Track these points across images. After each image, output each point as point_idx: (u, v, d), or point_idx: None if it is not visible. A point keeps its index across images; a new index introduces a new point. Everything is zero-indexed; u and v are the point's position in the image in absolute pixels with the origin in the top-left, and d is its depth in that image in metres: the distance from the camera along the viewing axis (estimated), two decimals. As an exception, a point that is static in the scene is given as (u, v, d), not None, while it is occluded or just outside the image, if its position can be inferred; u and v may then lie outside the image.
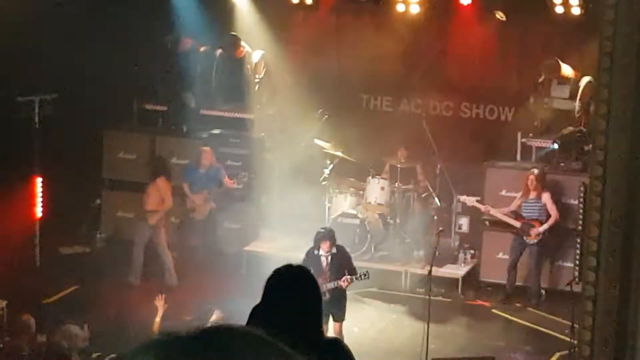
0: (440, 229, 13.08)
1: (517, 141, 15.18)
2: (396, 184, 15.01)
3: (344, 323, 11.38)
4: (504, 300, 14.14)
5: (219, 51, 16.07)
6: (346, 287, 11.29)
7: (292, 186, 15.20)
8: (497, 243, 14.49)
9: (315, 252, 11.32)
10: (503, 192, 14.50)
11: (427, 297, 11.67)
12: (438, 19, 15.51)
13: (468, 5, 15.02)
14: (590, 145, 10.62)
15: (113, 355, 10.07)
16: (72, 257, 15.14)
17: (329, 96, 15.82)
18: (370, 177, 15.03)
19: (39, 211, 14.70)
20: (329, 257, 11.29)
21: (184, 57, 16.09)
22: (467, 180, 15.05)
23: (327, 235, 11.38)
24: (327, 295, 10.76)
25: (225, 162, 15.47)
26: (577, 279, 11.90)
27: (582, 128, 14.64)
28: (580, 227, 12.66)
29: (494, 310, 13.96)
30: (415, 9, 15.23)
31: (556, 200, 14.16)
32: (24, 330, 10.07)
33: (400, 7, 15.29)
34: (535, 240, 13.95)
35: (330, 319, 11.02)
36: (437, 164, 14.95)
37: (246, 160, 15.76)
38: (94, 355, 10.24)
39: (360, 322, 12.98)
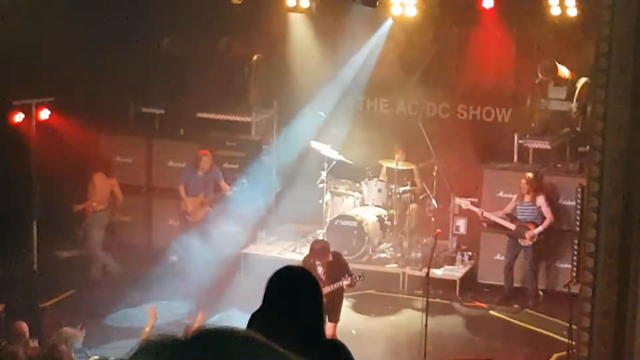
0: (438, 230, 13.08)
1: (514, 142, 15.19)
2: (393, 186, 15.01)
3: (341, 324, 11.34)
4: (502, 301, 14.14)
5: (216, 54, 16.08)
6: (347, 286, 11.23)
7: (290, 188, 15.21)
8: (495, 245, 14.49)
9: (312, 260, 11.27)
10: (500, 194, 14.51)
11: (425, 298, 11.66)
12: (435, 22, 15.50)
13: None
14: (587, 147, 10.63)
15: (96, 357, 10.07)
16: (70, 260, 15.12)
17: (326, 98, 15.82)
18: (367, 179, 15.04)
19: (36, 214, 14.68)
20: (325, 267, 11.25)
21: (181, 59, 16.09)
22: (465, 181, 15.05)
23: (321, 251, 11.27)
24: (325, 300, 10.71)
25: (222, 165, 15.47)
26: (574, 280, 11.91)
27: (577, 129, 14.66)
28: (577, 229, 12.69)
29: (491, 312, 13.96)
30: (411, 12, 15.23)
31: (553, 202, 14.17)
32: (17, 337, 10.06)
33: (396, 10, 15.28)
34: (530, 243, 13.96)
35: (325, 318, 10.99)
36: (434, 165, 14.95)
37: (243, 163, 15.76)
38: (92, 358, 10.22)
39: (358, 324, 12.98)
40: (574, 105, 14.71)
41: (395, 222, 15.04)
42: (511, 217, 14.13)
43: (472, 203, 14.57)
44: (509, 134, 15.30)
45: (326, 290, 10.97)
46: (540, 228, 13.94)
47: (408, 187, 15.14)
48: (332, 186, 15.22)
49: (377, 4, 14.77)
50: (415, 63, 15.70)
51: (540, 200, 14.00)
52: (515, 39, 15.43)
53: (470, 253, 14.97)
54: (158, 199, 16.11)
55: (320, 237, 13.78)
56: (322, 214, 15.04)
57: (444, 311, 13.66)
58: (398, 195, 15.04)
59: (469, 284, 14.60)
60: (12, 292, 12.91)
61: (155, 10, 15.83)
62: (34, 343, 10.25)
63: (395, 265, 14.79)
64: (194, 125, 16.13)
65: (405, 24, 15.39)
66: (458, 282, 14.43)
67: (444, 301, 14.01)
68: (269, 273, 4.45)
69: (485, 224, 14.57)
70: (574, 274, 12.30)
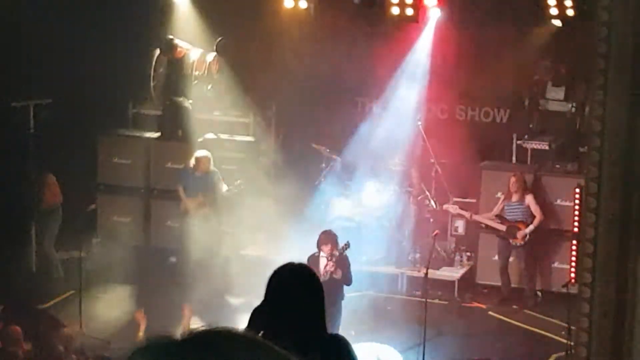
0: (437, 231, 13.08)
1: (512, 143, 15.20)
2: (392, 186, 15.01)
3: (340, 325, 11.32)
4: (500, 302, 14.14)
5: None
6: (335, 275, 11.12)
7: (288, 190, 15.19)
8: (493, 245, 14.48)
9: (317, 254, 11.29)
10: (499, 194, 14.50)
11: (424, 299, 11.66)
12: (433, 22, 15.50)
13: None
14: (586, 147, 10.63)
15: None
16: (68, 262, 15.12)
17: (324, 99, 15.82)
18: (366, 180, 15.03)
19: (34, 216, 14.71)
20: (329, 259, 11.25)
21: (179, 61, 16.08)
22: (463, 182, 15.05)
23: (326, 238, 11.32)
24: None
25: (220, 166, 15.45)
26: (573, 281, 11.92)
27: (578, 129, 14.67)
28: (576, 229, 12.69)
29: (490, 313, 13.96)
30: (409, 12, 15.23)
31: (547, 202, 14.19)
32: (13, 340, 10.06)
33: (395, 10, 15.28)
34: (522, 242, 13.97)
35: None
36: (433, 166, 14.95)
37: (242, 164, 15.75)
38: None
39: (357, 325, 12.96)
40: (572, 105, 14.72)
41: (394, 223, 15.03)
42: (501, 218, 14.12)
43: (465, 205, 14.57)
44: (508, 135, 15.31)
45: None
46: (531, 227, 13.94)
47: (407, 188, 15.14)
48: (331, 187, 15.21)
49: (375, 5, 14.78)
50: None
51: (529, 199, 14.01)
52: (513, 39, 15.43)
53: (468, 254, 14.97)
54: (156, 200, 16.09)
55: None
56: (321, 215, 15.03)
57: (443, 312, 13.65)
58: (397, 196, 15.03)
59: (468, 284, 14.60)
60: (11, 294, 12.91)
61: (154, 10, 15.82)
62: (28, 346, 10.25)
63: (394, 266, 14.78)
64: (192, 127, 16.11)
65: (403, 25, 15.39)
66: (457, 282, 14.43)
67: (443, 302, 14.00)
68: (267, 274, 4.45)
69: (483, 225, 14.57)
70: (573, 275, 12.32)
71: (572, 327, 10.21)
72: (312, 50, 15.66)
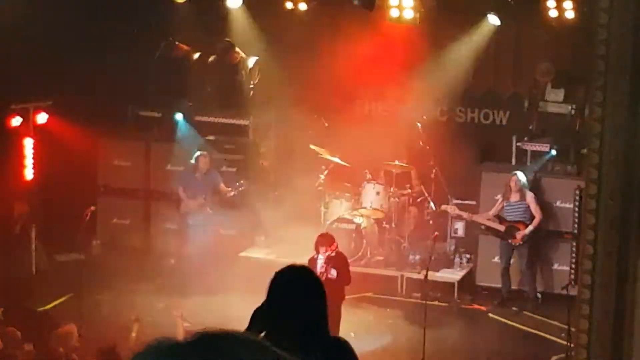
0: (436, 233, 13.08)
1: (512, 145, 15.20)
2: (391, 188, 15.01)
3: (340, 327, 11.31)
4: (500, 304, 14.14)
5: (213, 57, 16.09)
6: (329, 274, 11.10)
7: (288, 192, 15.20)
8: (493, 247, 14.48)
9: (315, 256, 11.31)
10: (498, 196, 14.49)
11: (424, 301, 11.66)
12: (431, 24, 15.51)
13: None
14: (585, 149, 10.63)
15: None
16: (68, 264, 15.11)
17: (324, 101, 15.82)
18: (365, 182, 15.03)
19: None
20: (325, 259, 11.25)
21: (179, 63, 16.09)
22: (463, 184, 15.05)
23: (324, 239, 11.34)
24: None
25: (220, 168, 15.47)
26: (573, 283, 11.92)
27: (578, 131, 14.68)
28: (575, 231, 12.69)
29: (490, 314, 13.96)
30: (409, 14, 15.24)
31: (550, 204, 14.18)
32: (12, 342, 10.06)
33: (394, 13, 15.30)
34: (521, 242, 13.96)
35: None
36: (432, 168, 14.95)
37: (241, 166, 15.76)
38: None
39: (357, 327, 12.96)
40: (571, 107, 14.72)
41: (393, 225, 15.03)
42: (500, 218, 14.12)
43: (464, 207, 14.57)
44: (507, 137, 15.31)
45: None
46: (530, 227, 13.93)
47: (406, 190, 15.14)
48: (330, 189, 15.21)
49: (375, 8, 14.78)
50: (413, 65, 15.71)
51: (530, 198, 14.00)
52: (513, 41, 15.44)
53: (468, 256, 14.96)
54: (156, 202, 16.10)
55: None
56: (320, 217, 15.03)
57: (443, 314, 13.65)
58: (396, 198, 15.04)
59: (468, 286, 14.60)
60: (10, 296, 12.89)
61: (154, 13, 15.82)
62: (29, 347, 10.25)
63: (394, 268, 14.78)
64: (192, 129, 16.12)
65: (403, 27, 15.40)
66: (456, 284, 14.43)
67: (443, 304, 14.00)
68: (267, 276, 4.45)
69: (483, 227, 14.57)
70: (573, 276, 12.32)
71: (572, 329, 10.20)
72: (311, 52, 15.66)
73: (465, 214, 14.38)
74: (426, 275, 11.87)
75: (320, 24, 15.91)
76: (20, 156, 14.69)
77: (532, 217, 13.97)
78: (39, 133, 14.85)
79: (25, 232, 14.64)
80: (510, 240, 13.99)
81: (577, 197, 13.20)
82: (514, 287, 14.24)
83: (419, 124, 15.03)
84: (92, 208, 15.53)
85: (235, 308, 12.23)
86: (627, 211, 6.98)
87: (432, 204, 14.87)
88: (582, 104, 14.44)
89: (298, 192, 14.92)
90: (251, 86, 16.06)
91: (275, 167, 16.26)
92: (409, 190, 15.17)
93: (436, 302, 13.73)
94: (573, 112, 14.83)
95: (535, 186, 14.34)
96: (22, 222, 14.70)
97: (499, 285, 14.28)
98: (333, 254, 11.25)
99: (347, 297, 11.81)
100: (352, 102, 16.35)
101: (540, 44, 15.28)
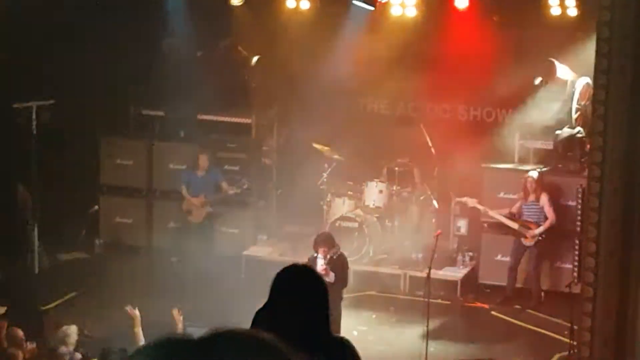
0: (439, 231, 13.07)
1: (514, 143, 15.19)
2: (394, 186, 15.01)
3: (342, 325, 11.29)
4: (503, 302, 14.13)
5: (216, 56, 16.10)
6: (327, 277, 11.08)
7: (290, 190, 15.20)
8: (496, 245, 14.48)
9: (314, 255, 11.30)
10: (501, 194, 14.49)
11: (426, 299, 11.66)
12: (435, 22, 15.51)
13: (465, 8, 14.99)
14: (588, 147, 10.63)
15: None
16: (71, 263, 15.13)
17: (326, 100, 15.82)
18: (368, 181, 15.03)
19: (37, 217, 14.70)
20: (326, 260, 11.23)
21: (181, 62, 16.09)
22: (465, 182, 15.04)
23: (323, 240, 11.30)
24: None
25: (222, 166, 15.47)
26: (576, 280, 11.90)
27: (578, 129, 14.65)
28: (578, 229, 12.68)
29: (493, 313, 13.95)
30: (411, 12, 15.24)
31: (554, 202, 14.16)
32: (14, 341, 10.06)
33: (396, 10, 15.29)
34: (532, 243, 13.95)
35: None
36: (435, 166, 14.94)
37: (243, 165, 15.76)
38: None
39: (359, 326, 12.97)
40: (574, 105, 14.70)
41: (396, 223, 15.03)
42: (514, 216, 14.10)
43: (465, 205, 14.57)
44: (510, 135, 15.30)
45: None
46: (541, 228, 13.92)
47: (409, 188, 15.14)
48: (332, 187, 15.21)
49: (377, 5, 14.78)
50: (415, 64, 15.69)
51: (544, 200, 13.98)
52: (515, 39, 15.42)
53: (471, 254, 14.95)
54: (158, 201, 16.11)
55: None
56: (323, 216, 15.04)
57: (445, 312, 13.65)
58: (399, 196, 15.04)
59: (470, 284, 14.59)
60: (13, 295, 12.91)
61: (156, 11, 15.82)
62: (32, 345, 10.26)
63: (396, 266, 14.78)
64: (194, 127, 16.13)
65: (405, 25, 15.39)
66: (459, 282, 14.43)
67: (445, 302, 14.00)
68: (269, 275, 4.45)
69: (486, 225, 14.56)
70: (576, 274, 12.30)
71: (575, 327, 10.18)
72: (314, 50, 15.66)
73: (482, 208, 14.30)
74: (429, 274, 11.86)
75: (321, 22, 15.89)
76: (23, 155, 14.70)
77: (546, 218, 13.94)
78: (42, 132, 14.85)
79: (27, 220, 14.63)
80: (522, 240, 13.98)
81: (580, 195, 13.18)
82: (518, 285, 14.23)
83: (421, 123, 15.02)
84: (95, 207, 15.59)
85: (237, 307, 12.23)
86: (629, 209, 6.97)
87: (434, 201, 14.85)
88: (584, 102, 14.42)
89: (300, 190, 14.92)
90: (253, 85, 16.05)
91: (277, 166, 16.26)
92: (412, 188, 15.17)
93: (439, 300, 13.73)
94: (575, 110, 14.80)
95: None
96: (24, 208, 14.66)
97: (502, 284, 14.27)
98: (335, 257, 11.21)
99: (349, 295, 11.83)
100: (355, 100, 16.34)
101: (543, 41, 15.26)
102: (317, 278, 4.56)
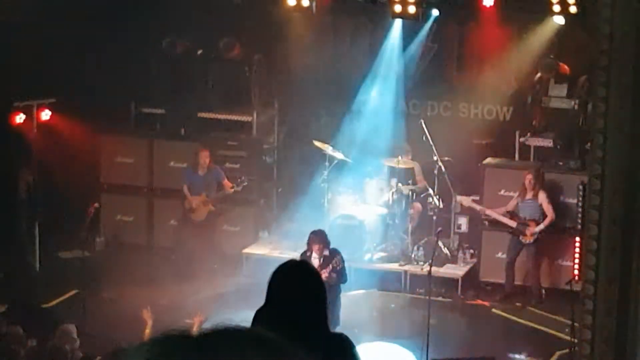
0: (440, 229, 13.07)
1: (515, 140, 15.19)
2: (395, 184, 15.01)
3: (343, 324, 11.29)
4: (504, 299, 14.14)
5: (216, 53, 16.09)
6: (331, 281, 11.09)
7: (291, 188, 15.20)
8: (497, 243, 14.48)
9: (308, 253, 11.27)
10: (502, 192, 14.49)
11: (427, 297, 11.66)
12: (435, 20, 15.49)
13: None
14: (589, 144, 10.62)
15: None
16: (72, 261, 15.13)
17: (327, 97, 15.82)
18: (368, 178, 15.03)
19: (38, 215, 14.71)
20: (321, 260, 11.22)
21: (181, 59, 16.10)
22: (466, 180, 15.04)
23: (317, 238, 11.29)
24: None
25: (223, 164, 15.47)
26: (576, 278, 11.90)
27: (581, 126, 14.65)
28: (579, 226, 12.67)
29: (493, 310, 13.95)
30: (412, 10, 15.21)
31: (554, 199, 14.17)
32: (14, 339, 10.07)
33: (397, 8, 15.27)
34: (532, 240, 13.95)
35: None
36: (436, 164, 14.94)
37: (244, 163, 15.76)
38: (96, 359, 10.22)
39: (360, 323, 12.96)
40: (575, 102, 14.70)
41: (396, 221, 15.03)
42: (512, 214, 14.11)
43: (474, 201, 14.57)
44: (511, 132, 15.30)
45: None
46: (541, 226, 13.92)
47: (409, 186, 15.13)
48: (333, 185, 15.21)
49: (378, 3, 14.78)
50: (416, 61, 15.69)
51: (542, 197, 13.99)
52: (516, 36, 15.41)
53: (472, 251, 14.95)
54: (159, 199, 16.11)
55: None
56: (324, 213, 15.03)
57: (446, 309, 13.65)
58: (400, 194, 15.03)
59: (471, 282, 14.59)
60: (14, 293, 12.92)
61: (157, 10, 15.81)
62: (32, 343, 10.28)
63: (397, 263, 14.78)
64: (195, 125, 16.14)
65: (406, 22, 15.38)
66: (460, 280, 14.43)
67: (446, 299, 14.00)
68: (270, 273, 4.45)
69: (486, 222, 14.56)
70: (576, 272, 12.31)
71: (576, 324, 10.18)
72: (314, 48, 15.66)
73: (478, 207, 14.33)
74: (429, 271, 11.86)
75: (323, 19, 15.89)
76: (24, 154, 14.71)
77: (545, 216, 13.95)
78: (43, 130, 14.86)
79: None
80: (520, 237, 13.98)
81: (581, 193, 13.18)
82: (518, 282, 14.23)
83: (422, 120, 15.01)
84: (96, 205, 15.56)
85: (239, 305, 12.24)
86: (630, 206, 6.97)
87: (435, 199, 14.85)
88: (585, 100, 14.42)
89: (301, 188, 14.92)
90: (254, 82, 16.05)
91: (278, 164, 16.26)
92: (413, 186, 15.16)
93: (440, 298, 13.74)
94: (576, 107, 14.81)
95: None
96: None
97: (503, 281, 14.27)
98: (328, 254, 11.21)
99: (350, 293, 11.83)
100: (356, 97, 16.32)
101: (544, 38, 15.25)
102: (314, 274, 4.57)
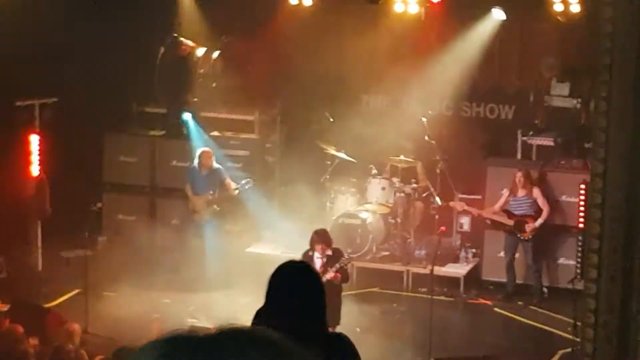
0: (442, 228, 13.07)
1: (517, 139, 15.19)
2: (397, 183, 15.01)
3: (345, 322, 11.29)
4: (506, 298, 14.14)
5: (218, 53, 16.11)
6: (336, 280, 11.08)
7: (293, 187, 15.20)
8: (499, 242, 14.48)
9: (310, 253, 11.27)
10: (504, 191, 14.48)
11: (429, 296, 11.66)
12: (437, 18, 15.50)
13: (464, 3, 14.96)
14: (591, 143, 10.61)
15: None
16: (74, 260, 15.13)
17: (329, 97, 15.82)
18: (371, 177, 15.03)
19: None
20: (324, 259, 11.22)
21: (183, 58, 16.09)
22: (468, 179, 15.05)
23: (321, 237, 11.28)
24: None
25: (225, 164, 15.46)
26: (579, 277, 11.91)
27: (583, 125, 14.65)
28: (581, 225, 12.68)
29: (496, 309, 13.95)
30: (414, 9, 15.23)
31: (555, 197, 14.18)
32: (16, 337, 10.08)
33: (399, 7, 15.28)
34: (530, 237, 13.96)
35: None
36: (438, 163, 14.94)
37: (246, 162, 15.76)
38: (98, 358, 10.23)
39: (362, 322, 12.97)
40: (577, 101, 14.70)
41: (399, 220, 15.03)
42: (508, 212, 14.12)
43: (470, 202, 14.56)
44: (513, 131, 15.30)
45: None
46: (540, 220, 13.94)
47: (412, 185, 15.13)
48: (335, 184, 15.22)
49: (380, 2, 14.78)
50: (418, 60, 15.69)
51: (537, 193, 14.01)
52: (518, 35, 15.42)
53: (474, 250, 14.95)
54: (162, 199, 16.12)
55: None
56: (326, 213, 15.04)
57: (449, 308, 13.65)
58: (402, 193, 15.03)
59: (473, 281, 14.60)
60: (17, 292, 12.92)
61: (158, 8, 15.82)
62: (34, 341, 10.29)
63: (400, 263, 14.78)
64: (197, 125, 16.12)
65: (408, 21, 15.39)
66: (462, 279, 14.43)
67: (448, 298, 14.00)
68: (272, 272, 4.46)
69: (489, 222, 14.56)
70: (578, 271, 12.31)
71: (578, 323, 10.20)
72: (316, 47, 15.66)
73: (472, 210, 14.36)
74: (432, 270, 11.86)
75: (325, 19, 15.89)
76: (26, 153, 14.70)
77: (539, 211, 13.96)
78: (45, 130, 14.86)
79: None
80: (519, 235, 13.99)
81: (583, 191, 13.18)
82: (519, 281, 14.24)
83: (424, 119, 15.01)
84: (98, 204, 15.58)
85: (241, 304, 12.25)
86: (632, 205, 6.97)
87: (437, 198, 14.86)
88: (587, 98, 14.42)
89: (303, 187, 14.92)
90: (256, 81, 16.05)
91: (280, 163, 16.26)
92: (415, 185, 15.16)
93: (442, 297, 13.74)
94: (578, 106, 14.81)
95: (541, 180, 14.33)
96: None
97: (505, 280, 14.28)
98: (331, 253, 11.21)
99: (353, 292, 11.84)
100: (358, 97, 16.34)
101: (546, 38, 15.25)
102: (313, 274, 4.57)
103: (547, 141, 14.96)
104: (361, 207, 14.98)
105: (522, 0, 15.19)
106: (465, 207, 14.42)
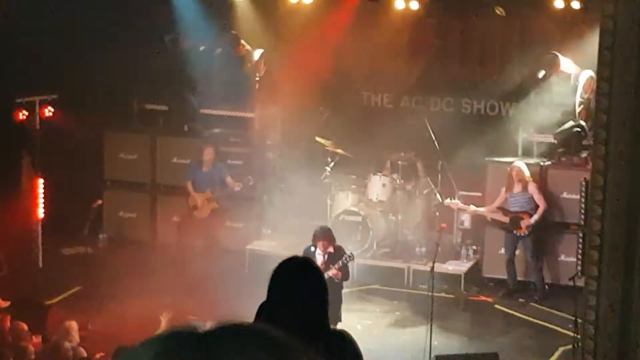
0: (443, 225, 13.07)
1: (518, 136, 15.18)
2: (398, 180, 15.01)
3: (346, 320, 11.31)
4: (507, 295, 14.14)
5: (219, 50, 16.09)
6: (338, 278, 11.08)
7: (294, 184, 15.20)
8: (500, 239, 14.48)
9: (312, 249, 11.27)
10: (503, 188, 14.48)
11: (430, 293, 11.66)
12: (437, 15, 15.50)
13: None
14: (591, 140, 10.61)
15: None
16: (75, 258, 15.15)
17: (330, 94, 15.82)
18: (371, 174, 15.03)
19: (40, 212, 14.71)
20: (326, 256, 11.23)
21: (184, 56, 16.10)
22: (469, 176, 15.04)
23: (323, 234, 11.28)
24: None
25: (226, 161, 15.48)
26: (579, 274, 11.90)
27: (580, 122, 14.63)
28: (582, 222, 12.66)
29: (496, 306, 13.96)
30: (414, 6, 15.22)
31: (557, 195, 14.17)
32: (20, 335, 10.08)
33: (399, 4, 15.28)
34: (527, 233, 13.95)
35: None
36: (439, 160, 14.94)
37: (247, 159, 15.77)
38: (98, 355, 10.24)
39: (363, 319, 12.99)
40: (577, 98, 14.69)
41: (399, 217, 15.03)
42: (503, 209, 14.11)
43: (470, 199, 14.56)
44: (513, 128, 15.29)
45: None
46: (535, 217, 13.93)
47: (412, 182, 15.14)
48: (336, 182, 15.22)
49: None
50: (418, 57, 15.69)
51: (532, 188, 14.00)
52: (518, 32, 15.41)
53: (475, 247, 14.96)
54: (162, 196, 16.13)
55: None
56: (326, 209, 15.04)
57: (449, 305, 13.65)
58: (402, 190, 15.03)
59: (474, 278, 14.60)
60: (17, 290, 12.92)
61: (160, 5, 15.82)
62: (38, 339, 10.29)
63: (400, 259, 14.78)
64: (198, 122, 16.14)
65: (408, 18, 15.39)
66: (463, 276, 14.43)
67: (449, 295, 14.00)
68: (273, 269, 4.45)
69: (490, 219, 14.56)
70: (579, 267, 12.30)
71: (579, 320, 10.18)
72: (316, 44, 15.65)
73: (468, 208, 14.36)
74: (432, 267, 11.86)
75: (325, 16, 15.88)
76: (27, 150, 14.72)
77: (536, 207, 13.96)
78: (45, 127, 14.86)
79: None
80: (515, 231, 13.99)
81: (584, 188, 13.16)
82: (520, 278, 14.24)
83: (425, 116, 15.01)
84: (99, 202, 15.60)
85: (242, 301, 12.25)
86: (633, 202, 6.96)
87: (438, 195, 14.86)
88: (588, 95, 14.40)
89: (304, 184, 14.92)
90: (257, 79, 16.05)
91: (281, 160, 16.26)
92: (415, 182, 15.16)
93: (443, 294, 13.74)
94: (579, 103, 14.78)
95: (541, 177, 14.34)
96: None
97: (506, 277, 14.28)
98: (333, 251, 11.21)
99: (353, 289, 11.83)
100: (358, 94, 16.34)
101: (546, 34, 15.24)
102: (315, 271, 4.57)
103: (548, 138, 14.95)
104: (362, 204, 14.99)
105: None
106: (460, 205, 14.41)
